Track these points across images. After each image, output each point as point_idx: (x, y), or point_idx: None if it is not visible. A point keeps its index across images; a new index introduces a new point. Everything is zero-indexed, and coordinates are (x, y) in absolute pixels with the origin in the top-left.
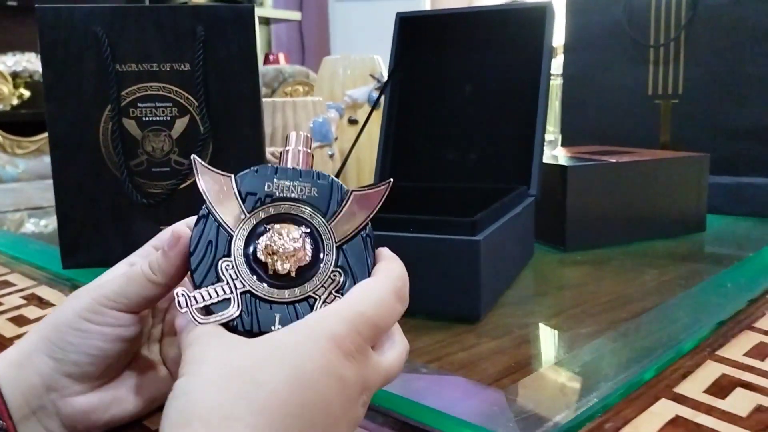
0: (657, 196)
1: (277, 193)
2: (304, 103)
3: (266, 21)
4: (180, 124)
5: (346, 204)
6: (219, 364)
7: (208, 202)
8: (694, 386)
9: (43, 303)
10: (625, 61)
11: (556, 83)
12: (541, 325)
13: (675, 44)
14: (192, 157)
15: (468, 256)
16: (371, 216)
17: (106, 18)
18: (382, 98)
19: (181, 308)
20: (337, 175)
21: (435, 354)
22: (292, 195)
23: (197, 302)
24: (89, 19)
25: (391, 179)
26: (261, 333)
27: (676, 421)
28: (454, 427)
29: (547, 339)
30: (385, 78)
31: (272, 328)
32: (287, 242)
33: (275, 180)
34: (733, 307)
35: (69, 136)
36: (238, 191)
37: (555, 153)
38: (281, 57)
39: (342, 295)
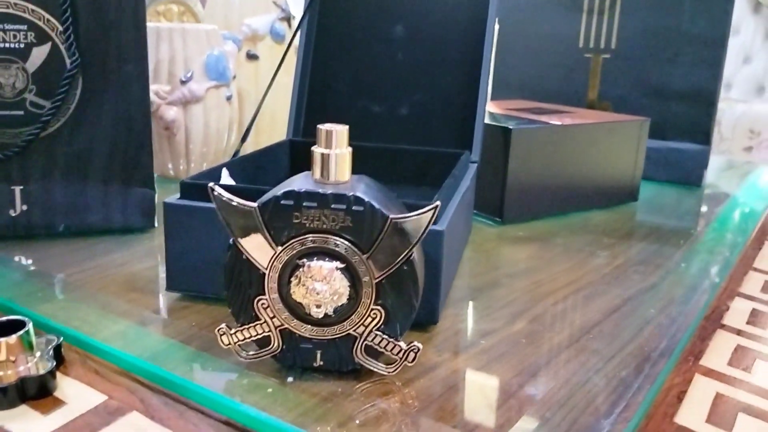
0: (596, 162)
1: (308, 224)
2: (197, 32)
3: None
4: (38, 54)
5: (385, 234)
6: None
7: (234, 238)
8: (695, 413)
9: None
10: (556, 8)
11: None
12: (504, 331)
13: None
14: (209, 186)
15: (428, 250)
16: (414, 246)
17: None
18: (297, 37)
19: (224, 345)
20: (245, 136)
21: (389, 382)
22: (324, 226)
23: (239, 340)
24: None
25: (438, 202)
26: (304, 368)
27: None
28: None
29: (519, 354)
30: (291, 7)
31: (314, 364)
32: (320, 285)
33: (304, 209)
34: (702, 301)
35: None
36: (264, 223)
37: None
38: None
39: (383, 332)
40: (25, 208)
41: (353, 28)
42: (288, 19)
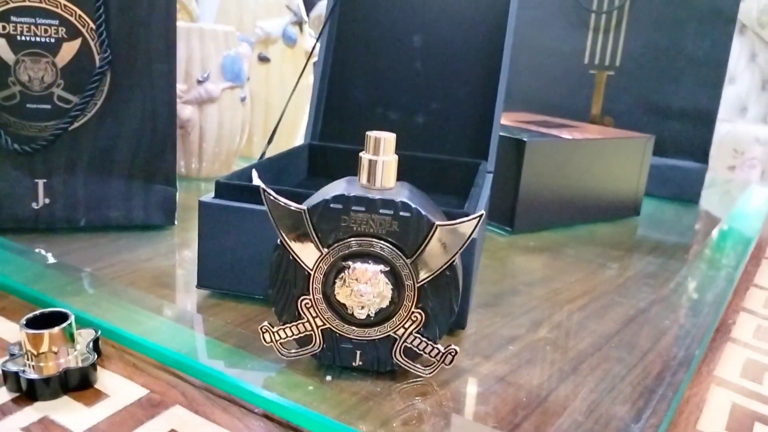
0: (602, 176)
1: (355, 228)
2: (214, 33)
3: None
4: (68, 50)
5: (429, 240)
6: None
7: (282, 238)
8: (715, 422)
9: None
10: (563, 24)
11: None
12: (529, 337)
13: (618, 12)
14: (260, 188)
15: (462, 257)
16: (458, 253)
17: None
18: (317, 45)
19: (266, 343)
20: (271, 139)
21: (425, 383)
22: (371, 230)
23: (281, 338)
24: None
25: (483, 212)
26: (343, 368)
27: None
28: None
29: (546, 359)
30: (303, 12)
31: (353, 363)
32: (365, 287)
33: (352, 213)
34: (712, 314)
35: None
36: (313, 225)
37: None
38: None
39: (423, 335)
40: (47, 201)
41: (372, 36)
42: (300, 23)
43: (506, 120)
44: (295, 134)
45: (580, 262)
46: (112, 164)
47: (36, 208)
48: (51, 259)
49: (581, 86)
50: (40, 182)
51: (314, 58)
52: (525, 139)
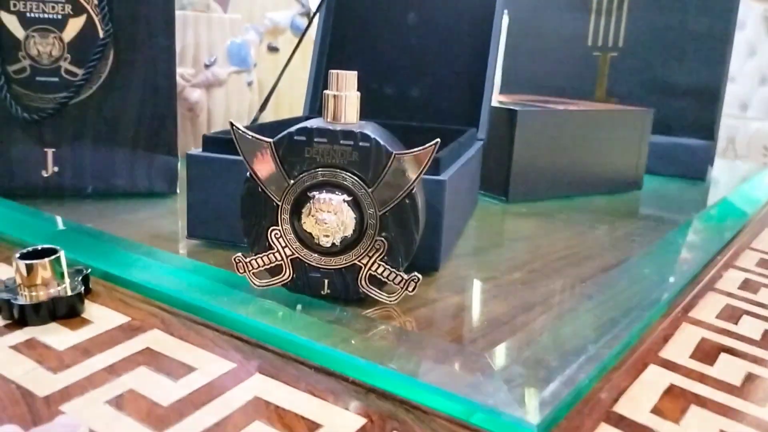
0: (601, 149)
1: (318, 159)
2: (221, 21)
3: None
4: (74, 25)
5: (388, 169)
6: None
7: (251, 171)
8: (679, 351)
9: None
10: (565, 8)
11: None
12: (503, 278)
13: None
14: (230, 122)
15: (431, 198)
16: (416, 180)
17: None
18: (313, 25)
19: (239, 273)
20: (264, 106)
21: (390, 310)
22: (333, 161)
23: (254, 268)
24: None
25: (438, 140)
26: (313, 296)
27: (672, 390)
28: (435, 399)
29: (516, 295)
30: (310, 2)
31: (322, 292)
32: (329, 216)
33: (315, 144)
34: (695, 263)
35: None
36: (279, 158)
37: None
38: None
39: (387, 263)
40: (56, 169)
41: (369, 13)
42: (308, 14)
43: (510, 99)
44: None
45: (570, 225)
46: (117, 135)
47: (45, 175)
48: (56, 219)
49: (585, 69)
50: (50, 151)
51: (308, 36)
52: (517, 109)
